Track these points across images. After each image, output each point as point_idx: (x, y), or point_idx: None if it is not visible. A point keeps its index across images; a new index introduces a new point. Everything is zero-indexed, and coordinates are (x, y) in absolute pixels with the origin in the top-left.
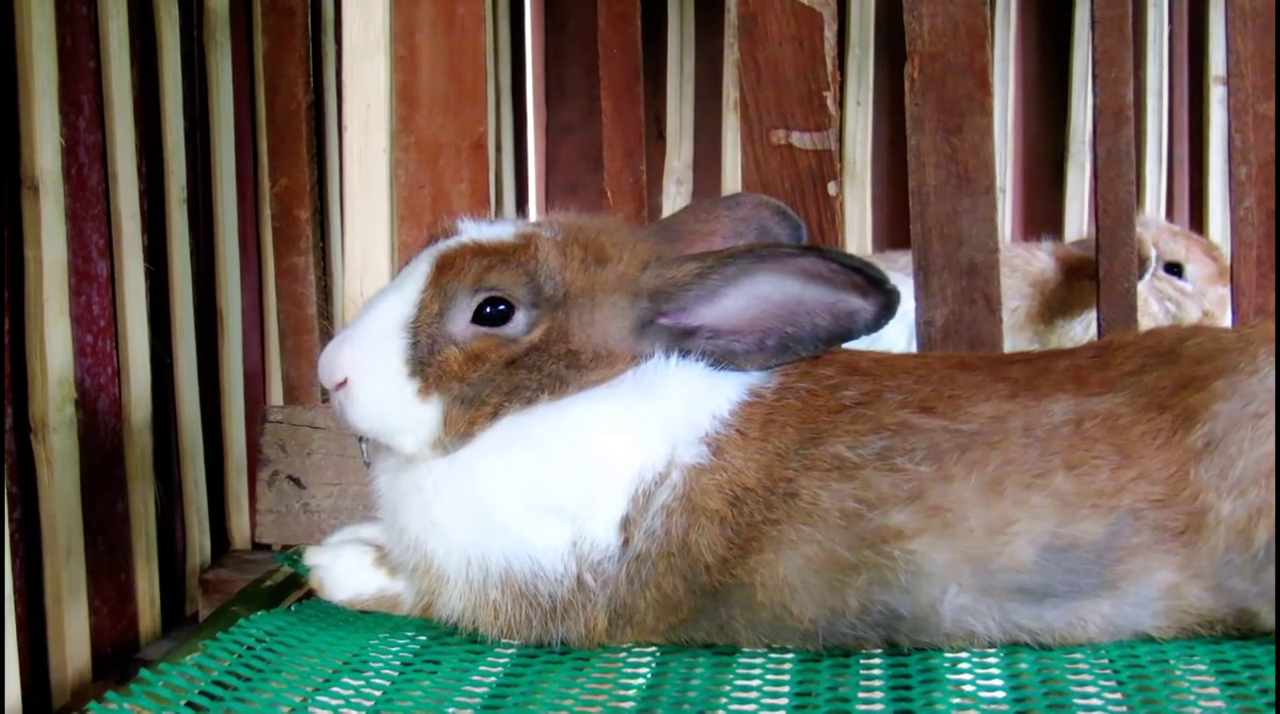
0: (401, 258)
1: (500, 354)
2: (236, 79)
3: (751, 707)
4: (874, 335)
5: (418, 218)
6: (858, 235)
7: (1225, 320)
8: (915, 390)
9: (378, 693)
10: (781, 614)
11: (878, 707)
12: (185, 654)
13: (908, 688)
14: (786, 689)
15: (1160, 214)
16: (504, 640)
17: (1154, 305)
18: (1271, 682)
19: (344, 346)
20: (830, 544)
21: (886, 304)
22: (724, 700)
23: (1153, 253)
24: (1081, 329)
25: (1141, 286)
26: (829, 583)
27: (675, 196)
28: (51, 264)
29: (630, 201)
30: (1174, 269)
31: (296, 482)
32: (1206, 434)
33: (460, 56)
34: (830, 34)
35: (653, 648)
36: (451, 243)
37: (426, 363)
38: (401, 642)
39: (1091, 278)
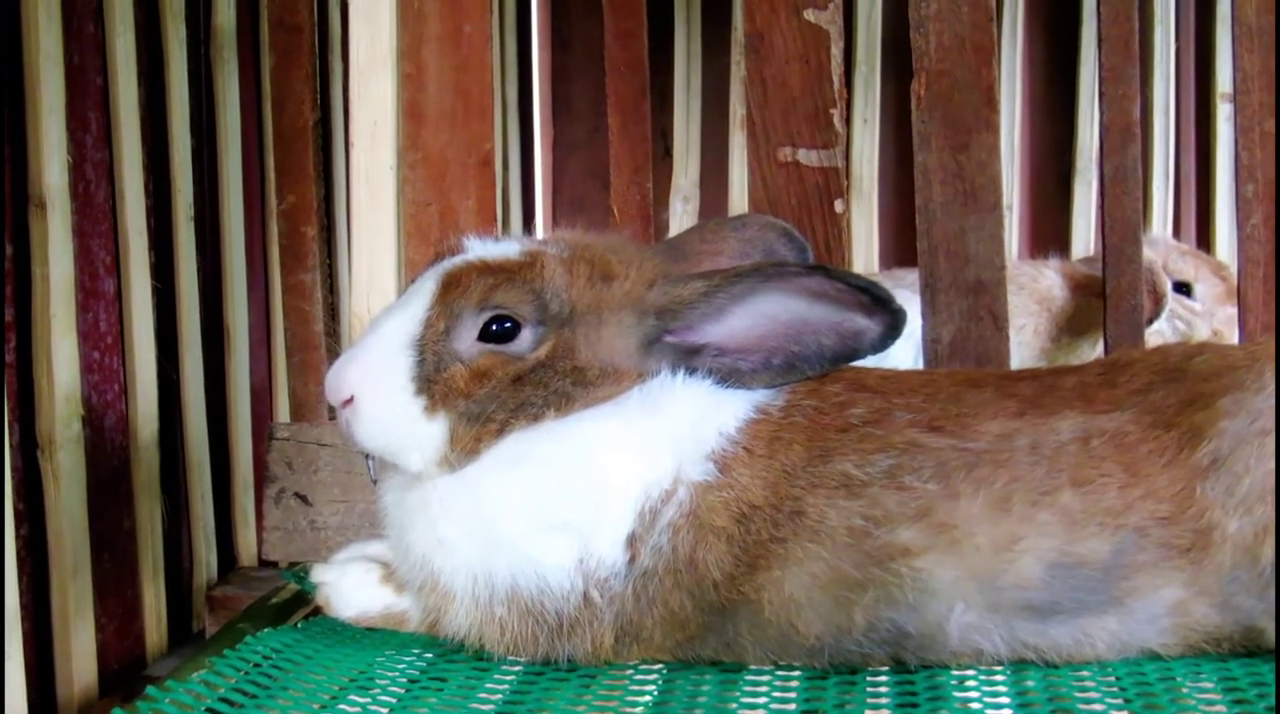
0: (408, 275)
1: (506, 371)
2: (243, 96)
3: None
4: (881, 353)
5: (424, 235)
6: (864, 253)
7: (1233, 340)
8: (923, 408)
9: (384, 710)
10: (788, 631)
11: None
12: (192, 671)
13: (914, 705)
14: (793, 707)
15: (1167, 232)
16: (510, 657)
17: (1163, 324)
18: None
19: (350, 365)
20: (837, 562)
21: (892, 323)
22: None
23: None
24: (1089, 346)
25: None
26: (836, 600)
27: (682, 214)
28: (59, 281)
29: (637, 219)
30: (1183, 288)
31: (303, 499)
32: (1213, 451)
33: (467, 73)
34: (837, 51)
35: (659, 665)
36: (457, 261)
37: (432, 381)
38: (408, 659)
39: (1099, 295)
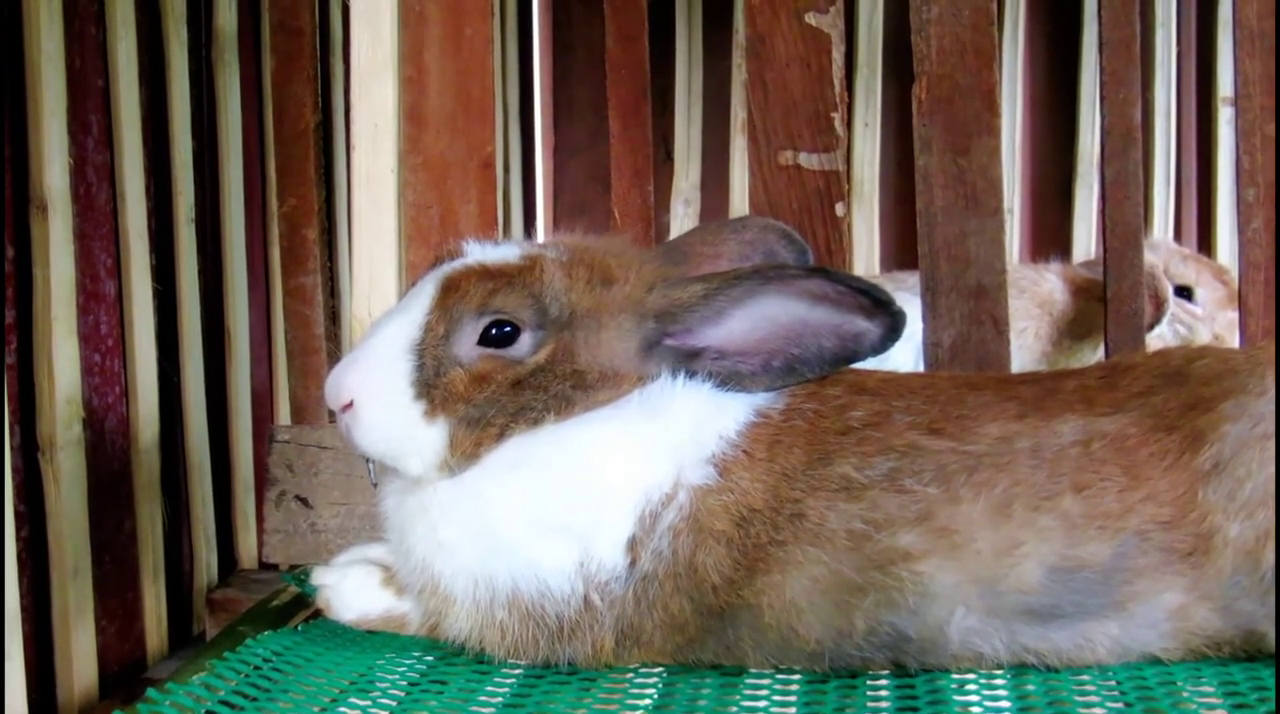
0: (409, 278)
1: (506, 376)
2: (244, 99)
3: None
4: (881, 356)
5: (425, 238)
6: (865, 256)
7: (1235, 344)
8: (923, 411)
9: (384, 713)
10: (788, 635)
11: None
12: (192, 674)
13: (915, 709)
14: (793, 711)
15: (1168, 236)
16: (511, 661)
17: (1164, 328)
18: None
19: (350, 369)
20: (837, 565)
21: (892, 326)
22: None
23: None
24: (1090, 350)
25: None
26: (836, 604)
27: (683, 217)
28: (59, 283)
29: (638, 222)
30: (1184, 293)
31: (304, 501)
32: (1214, 455)
33: (468, 77)
34: (838, 55)
35: (660, 668)
36: (457, 265)
37: (432, 385)
38: (408, 661)
39: (1100, 299)
